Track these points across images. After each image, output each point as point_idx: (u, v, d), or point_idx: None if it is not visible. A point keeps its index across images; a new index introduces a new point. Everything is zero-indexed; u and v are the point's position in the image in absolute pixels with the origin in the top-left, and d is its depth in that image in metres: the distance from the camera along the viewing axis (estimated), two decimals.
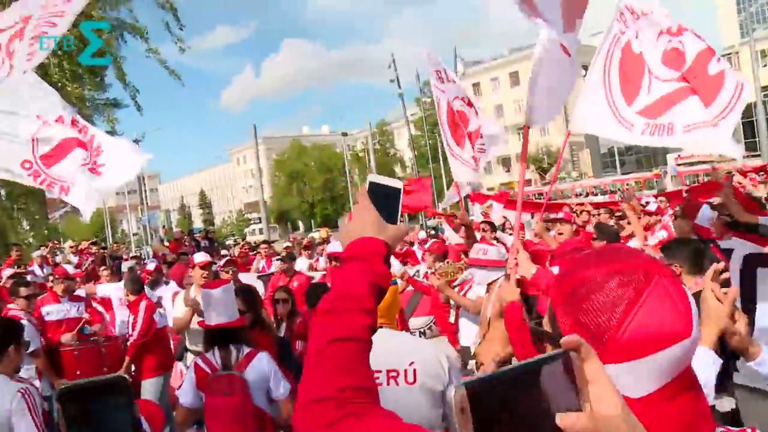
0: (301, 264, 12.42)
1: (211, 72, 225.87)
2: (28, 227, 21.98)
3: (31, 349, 6.23)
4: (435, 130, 51.40)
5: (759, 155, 32.05)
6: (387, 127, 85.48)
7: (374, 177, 1.59)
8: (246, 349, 4.16)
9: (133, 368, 7.52)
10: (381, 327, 2.92)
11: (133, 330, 7.43)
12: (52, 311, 7.69)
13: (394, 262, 9.41)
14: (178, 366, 7.90)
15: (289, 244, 15.18)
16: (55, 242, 18.14)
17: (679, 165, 50.36)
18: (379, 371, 2.77)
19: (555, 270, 3.90)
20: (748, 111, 40.07)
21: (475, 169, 7.53)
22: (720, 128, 5.41)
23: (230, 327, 4.15)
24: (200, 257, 7.01)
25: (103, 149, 5.77)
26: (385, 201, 1.53)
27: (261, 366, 4.12)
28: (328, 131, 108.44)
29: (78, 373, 7.06)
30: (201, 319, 5.06)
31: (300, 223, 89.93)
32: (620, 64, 5.86)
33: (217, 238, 32.10)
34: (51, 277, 9.97)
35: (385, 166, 78.20)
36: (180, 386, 4.17)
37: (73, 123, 5.96)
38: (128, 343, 7.43)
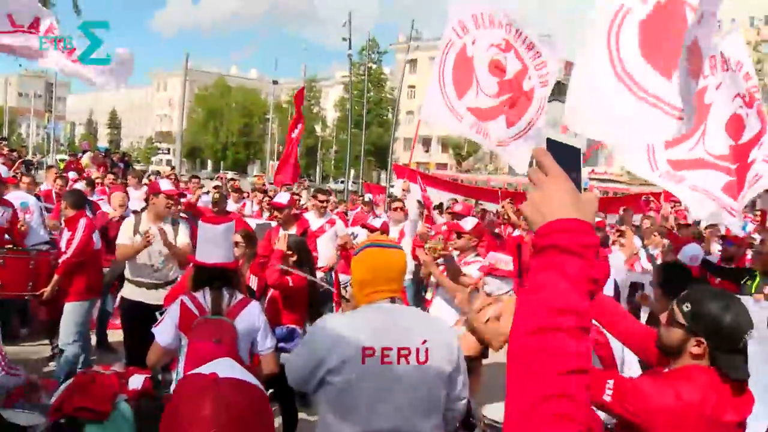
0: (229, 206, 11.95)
1: None
2: None
3: None
4: (363, 96, 51.09)
5: None
6: (316, 84, 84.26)
7: (553, 135, 1.33)
8: (239, 296, 3.88)
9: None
10: (393, 300, 2.78)
11: (68, 247, 6.86)
12: None
13: (340, 224, 9.17)
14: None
15: (219, 184, 14.68)
16: None
17: (591, 179, 52.10)
18: (390, 348, 2.62)
19: None
20: None
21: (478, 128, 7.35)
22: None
23: (226, 268, 3.86)
24: (167, 185, 6.51)
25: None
26: (569, 165, 1.24)
27: (252, 316, 3.85)
28: (256, 75, 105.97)
29: (1, 285, 6.50)
30: None
31: (209, 162, 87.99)
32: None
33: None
34: None
35: (308, 122, 77.14)
36: (159, 323, 3.84)
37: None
38: (60, 260, 6.86)
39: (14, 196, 8.97)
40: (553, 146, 1.25)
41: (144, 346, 6.09)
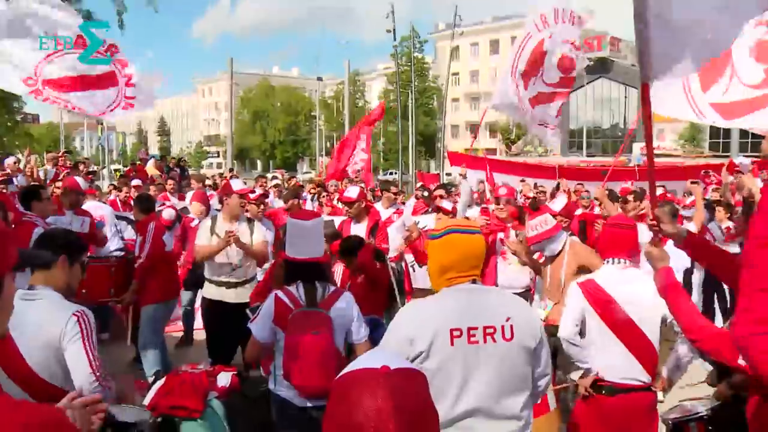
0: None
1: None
2: None
3: None
4: (407, 87, 50.72)
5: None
6: (359, 77, 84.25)
7: None
8: (331, 288, 3.88)
9: None
10: (474, 281, 2.78)
11: (140, 252, 6.97)
12: (55, 223, 7.20)
13: (406, 213, 9.22)
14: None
15: (278, 182, 14.76)
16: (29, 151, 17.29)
17: (643, 155, 50.80)
18: (476, 327, 2.64)
19: None
20: None
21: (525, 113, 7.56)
22: None
23: (318, 262, 3.85)
24: (239, 184, 6.55)
25: (134, 82, 6.03)
26: None
27: (346, 306, 3.86)
28: (298, 74, 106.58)
29: (84, 292, 6.57)
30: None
31: (258, 162, 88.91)
32: None
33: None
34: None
35: (353, 117, 77.31)
36: (254, 318, 3.85)
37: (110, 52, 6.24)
38: (136, 266, 6.97)
39: (90, 206, 9.19)
40: None
41: (226, 343, 6.22)
